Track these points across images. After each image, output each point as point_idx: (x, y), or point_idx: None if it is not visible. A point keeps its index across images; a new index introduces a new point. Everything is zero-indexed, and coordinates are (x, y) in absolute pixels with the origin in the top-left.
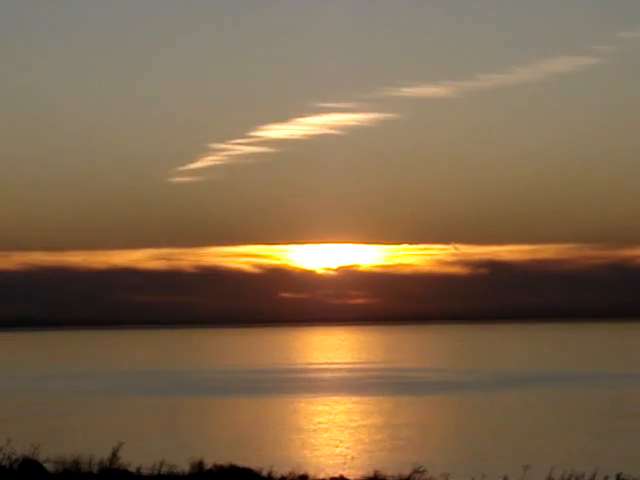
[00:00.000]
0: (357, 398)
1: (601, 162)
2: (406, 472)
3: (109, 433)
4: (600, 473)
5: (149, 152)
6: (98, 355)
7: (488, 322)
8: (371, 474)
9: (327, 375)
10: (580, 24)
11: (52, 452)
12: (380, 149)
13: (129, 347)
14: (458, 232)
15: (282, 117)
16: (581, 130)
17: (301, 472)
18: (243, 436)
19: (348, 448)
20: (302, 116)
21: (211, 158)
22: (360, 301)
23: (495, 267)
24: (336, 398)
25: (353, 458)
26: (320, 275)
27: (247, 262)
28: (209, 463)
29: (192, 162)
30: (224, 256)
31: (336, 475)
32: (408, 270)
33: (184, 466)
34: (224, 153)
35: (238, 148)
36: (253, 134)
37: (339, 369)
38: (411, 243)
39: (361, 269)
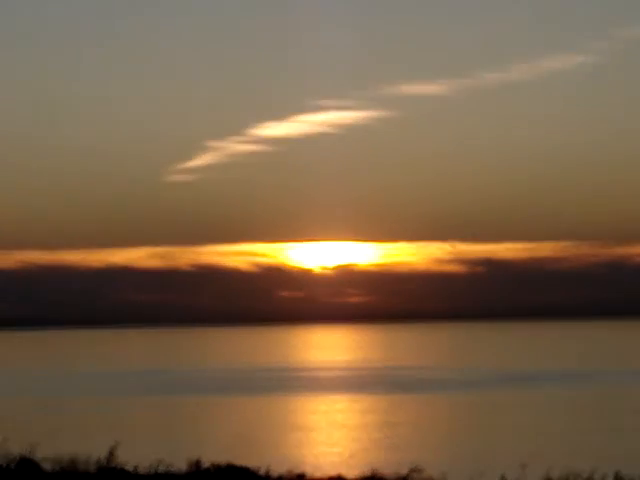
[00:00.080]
0: (354, 397)
1: (599, 160)
2: (404, 471)
3: (106, 432)
4: (598, 471)
5: (146, 150)
6: (95, 354)
7: (485, 320)
8: (369, 473)
9: (324, 374)
10: (577, 22)
11: (49, 451)
12: (378, 147)
13: (126, 346)
14: (455, 230)
15: (280, 115)
16: (578, 128)
17: (298, 471)
18: (241, 435)
19: (345, 447)
20: (300, 114)
21: (208, 156)
22: (357, 299)
23: (492, 265)
24: (333, 397)
25: (351, 457)
26: (317, 273)
27: (244, 260)
28: (206, 462)
29: (189, 160)
30: (221, 255)
31: (334, 474)
32: (405, 268)
33: (181, 465)
34: (221, 151)
35: (236, 146)
36: (251, 132)
37: (336, 368)
38: (408, 241)
39: (358, 267)
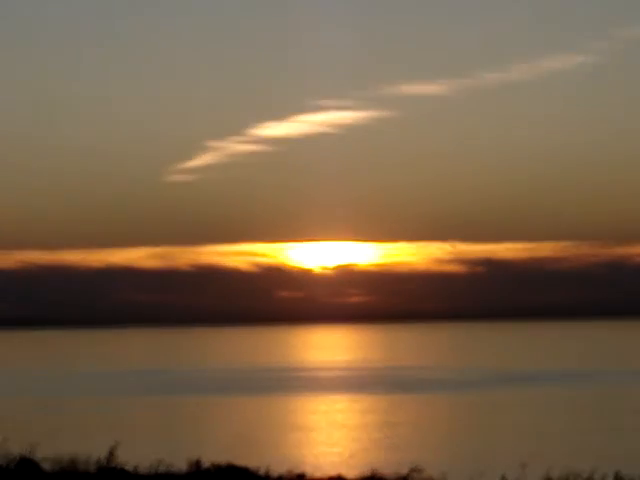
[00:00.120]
0: (354, 397)
1: (599, 160)
2: (404, 471)
3: (106, 432)
4: (598, 471)
5: (146, 150)
6: (95, 354)
7: (485, 320)
8: (369, 473)
9: (324, 374)
10: (577, 22)
11: (49, 451)
12: (378, 147)
13: (125, 346)
14: (455, 230)
15: (280, 115)
16: (578, 128)
17: (298, 471)
18: (241, 435)
19: (345, 447)
20: (300, 114)
21: (208, 156)
22: (357, 299)
23: (492, 265)
24: (333, 397)
25: (350, 457)
26: (317, 273)
27: (244, 261)
28: (207, 462)
29: (190, 160)
30: (221, 255)
31: (334, 474)
32: (405, 268)
33: (181, 465)
34: (221, 151)
35: (236, 146)
36: (251, 132)
37: (336, 368)
38: (408, 241)
39: (358, 267)
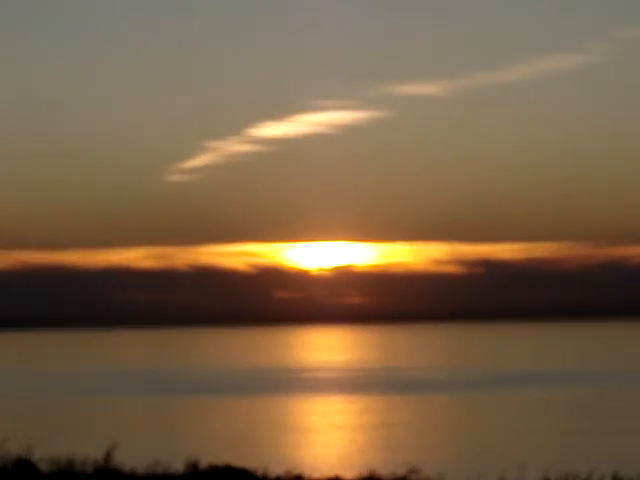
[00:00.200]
0: (352, 397)
1: (596, 160)
2: (401, 472)
3: (104, 433)
4: (596, 472)
5: (145, 150)
6: (93, 354)
7: (483, 321)
8: (366, 474)
9: (322, 375)
10: (575, 22)
11: (46, 452)
12: (376, 147)
13: (123, 346)
14: (453, 230)
15: (278, 115)
16: (576, 128)
17: (296, 472)
18: (238, 436)
19: (343, 448)
20: (298, 114)
21: (207, 156)
22: (355, 300)
23: (490, 266)
24: (331, 397)
25: (348, 458)
26: (315, 274)
27: (242, 261)
28: (204, 463)
29: (188, 160)
30: (219, 255)
31: (331, 475)
32: (403, 269)
33: (179, 466)
34: (220, 151)
35: (234, 146)
36: (249, 132)
37: (334, 368)
38: (406, 241)
39: (356, 268)
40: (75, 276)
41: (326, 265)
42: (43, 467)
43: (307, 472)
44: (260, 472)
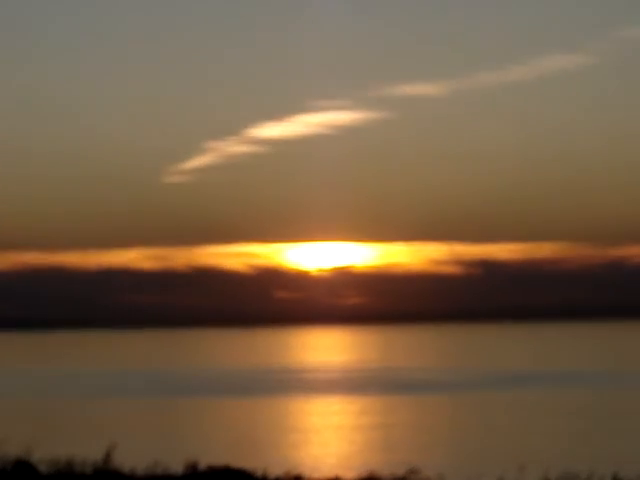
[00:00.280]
0: (351, 398)
1: (596, 160)
2: (401, 472)
3: (103, 434)
4: (596, 473)
5: (144, 151)
6: (92, 355)
7: (482, 321)
8: (365, 474)
9: (321, 375)
10: (575, 22)
11: (45, 453)
12: (376, 148)
13: (122, 347)
14: (452, 231)
15: (277, 116)
16: (576, 128)
17: (296, 472)
18: (238, 436)
19: (342, 448)
20: (298, 115)
21: (206, 157)
22: (354, 301)
23: (489, 266)
24: (330, 398)
25: (348, 458)
26: (314, 275)
27: (241, 262)
28: (203, 464)
29: (187, 161)
30: (218, 256)
31: (331, 475)
32: (402, 269)
33: (178, 467)
34: (219, 152)
35: (233, 147)
36: (248, 133)
37: (333, 369)
38: (405, 242)
39: (355, 268)
40: (74, 277)
41: (325, 265)
42: (42, 468)
43: (306, 473)
44: (259, 473)
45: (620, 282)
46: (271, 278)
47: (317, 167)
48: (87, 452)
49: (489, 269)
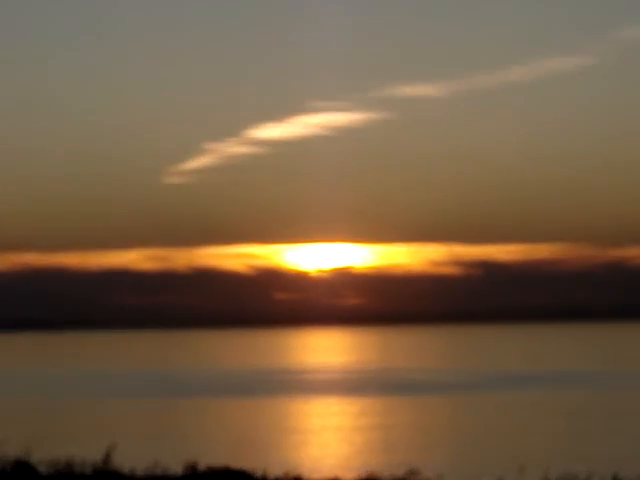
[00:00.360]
0: (351, 399)
1: (597, 162)
2: (400, 473)
3: (103, 434)
4: (596, 474)
5: (144, 152)
6: (92, 356)
7: (482, 322)
8: (365, 475)
9: (321, 376)
10: (574, 23)
11: (45, 453)
12: (375, 149)
13: (122, 348)
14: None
15: (277, 117)
16: (575, 129)
17: (295, 473)
18: (237, 437)
19: (342, 449)
20: (297, 116)
21: (206, 158)
22: (354, 302)
23: (489, 267)
24: (330, 399)
25: (347, 459)
26: (314, 276)
27: (241, 262)
28: (203, 465)
29: (186, 162)
30: (218, 257)
31: (330, 476)
32: (401, 270)
33: (178, 468)
34: (219, 153)
35: (233, 148)
36: (248, 134)
37: (333, 370)
38: (404, 242)
39: (354, 269)
40: (75, 278)
41: (325, 266)
42: (42, 469)
43: (306, 473)
44: (259, 474)
45: (620, 283)
46: (271, 279)
47: (317, 168)
48: (87, 453)
49: (488, 270)
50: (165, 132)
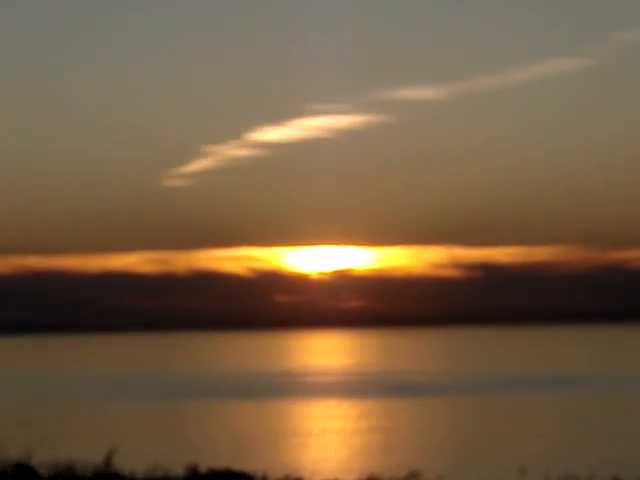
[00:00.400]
0: (351, 401)
1: (596, 164)
2: (401, 475)
3: (103, 437)
4: (597, 476)
5: (144, 155)
6: (93, 359)
7: (482, 324)
8: (366, 477)
9: (321, 379)
10: (574, 25)
11: (46, 456)
12: (375, 151)
13: (123, 351)
14: (452, 234)
15: (277, 119)
16: (576, 132)
17: (296, 476)
18: (238, 440)
19: (342, 451)
20: (297, 118)
21: (206, 161)
22: (354, 304)
23: (489, 269)
24: (330, 401)
25: (348, 461)
26: (314, 278)
27: (241, 265)
28: (204, 467)
29: (186, 165)
30: (218, 259)
31: (331, 478)
32: (401, 273)
33: (179, 470)
34: (219, 156)
35: (233, 151)
36: (248, 137)
37: (333, 372)
38: (404, 245)
39: (354, 272)
40: (75, 280)
41: (325, 269)
42: (43, 472)
43: (307, 476)
44: (260, 476)
45: (620, 285)
46: (271, 281)
47: (317, 171)
48: (88, 455)
49: (489, 272)
50: (165, 134)
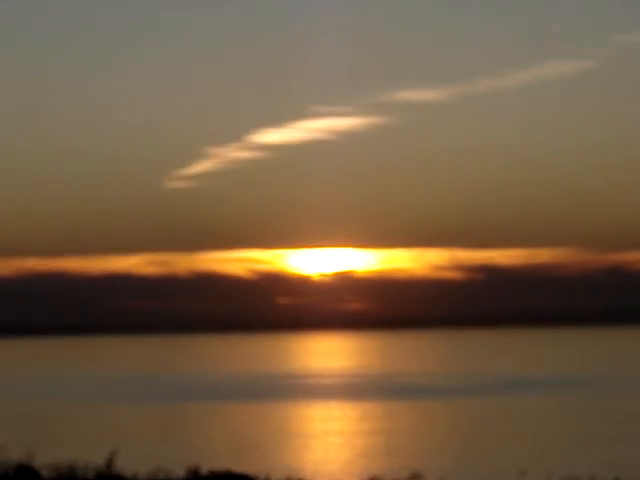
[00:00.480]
0: (353, 403)
1: (597, 166)
2: (402, 477)
3: (105, 439)
4: (598, 477)
5: (146, 157)
6: (94, 361)
7: (483, 327)
8: (367, 479)
9: (323, 381)
10: (575, 27)
11: (48, 458)
12: (376, 153)
13: (125, 353)
14: (453, 236)
15: (279, 121)
16: (576, 134)
17: (297, 478)
18: (239, 442)
19: (344, 453)
20: (299, 120)
21: (208, 163)
22: (356, 306)
23: (491, 271)
24: (332, 404)
25: (350, 463)
26: (316, 280)
27: (243, 267)
28: (205, 469)
29: (188, 167)
30: (220, 261)
31: None
32: (403, 275)
33: (180, 472)
34: (221, 158)
35: (235, 153)
36: (250, 139)
37: (335, 374)
38: (406, 247)
39: (356, 274)
40: (76, 282)
41: (327, 271)
42: (45, 473)
43: (308, 478)
44: (261, 478)
45: (621, 287)
46: (273, 283)
47: (318, 173)
48: (89, 457)
49: (490, 274)
50: (167, 137)
